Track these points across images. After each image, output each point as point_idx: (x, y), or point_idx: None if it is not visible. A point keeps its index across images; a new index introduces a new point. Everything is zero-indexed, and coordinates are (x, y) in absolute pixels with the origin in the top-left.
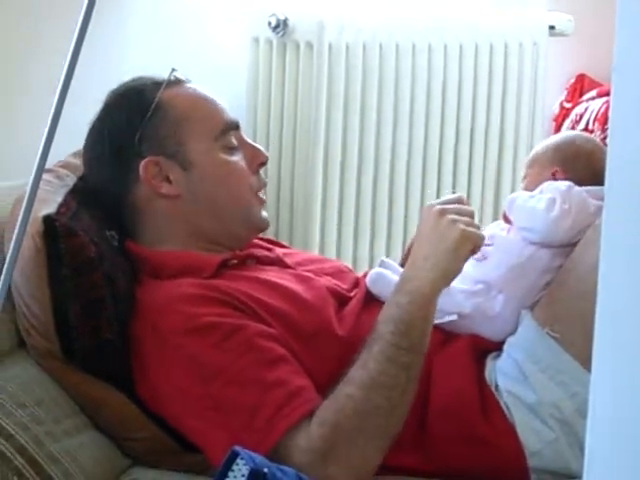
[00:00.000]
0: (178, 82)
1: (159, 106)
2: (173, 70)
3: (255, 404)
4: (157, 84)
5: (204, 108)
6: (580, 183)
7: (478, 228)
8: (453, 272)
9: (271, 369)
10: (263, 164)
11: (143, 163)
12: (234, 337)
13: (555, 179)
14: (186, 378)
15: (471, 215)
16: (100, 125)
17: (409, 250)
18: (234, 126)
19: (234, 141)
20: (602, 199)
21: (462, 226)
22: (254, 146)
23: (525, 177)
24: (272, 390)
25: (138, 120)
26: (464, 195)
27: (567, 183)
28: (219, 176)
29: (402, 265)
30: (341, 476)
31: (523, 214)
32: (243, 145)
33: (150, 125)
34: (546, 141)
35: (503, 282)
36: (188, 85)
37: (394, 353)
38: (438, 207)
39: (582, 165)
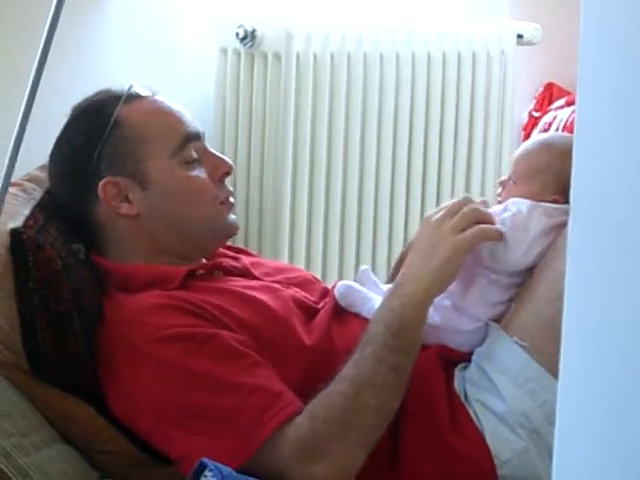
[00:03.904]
0: (137, 97)
1: (117, 124)
2: (131, 86)
3: (237, 409)
4: (117, 99)
5: (161, 123)
6: None
7: (484, 220)
8: (448, 279)
9: (249, 374)
10: (227, 174)
11: (102, 184)
12: (208, 344)
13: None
14: (162, 387)
15: (473, 216)
16: (60, 144)
17: (402, 258)
18: (194, 137)
19: (194, 153)
20: None
21: (455, 237)
22: (217, 156)
23: (514, 185)
24: (253, 394)
25: (96, 140)
26: (469, 196)
27: (529, 204)
28: (179, 194)
29: (392, 275)
30: (328, 472)
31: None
32: (205, 155)
33: (108, 144)
34: (548, 152)
35: (467, 305)
36: (147, 99)
37: (385, 353)
38: (434, 219)
39: None
